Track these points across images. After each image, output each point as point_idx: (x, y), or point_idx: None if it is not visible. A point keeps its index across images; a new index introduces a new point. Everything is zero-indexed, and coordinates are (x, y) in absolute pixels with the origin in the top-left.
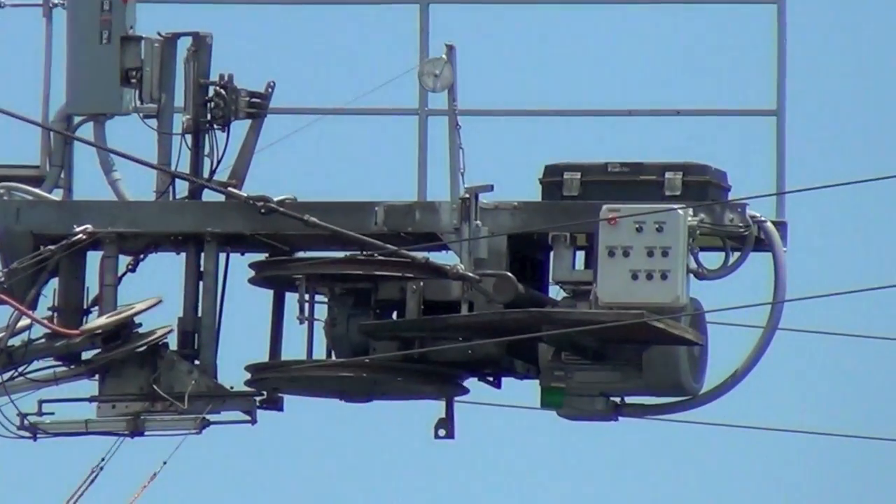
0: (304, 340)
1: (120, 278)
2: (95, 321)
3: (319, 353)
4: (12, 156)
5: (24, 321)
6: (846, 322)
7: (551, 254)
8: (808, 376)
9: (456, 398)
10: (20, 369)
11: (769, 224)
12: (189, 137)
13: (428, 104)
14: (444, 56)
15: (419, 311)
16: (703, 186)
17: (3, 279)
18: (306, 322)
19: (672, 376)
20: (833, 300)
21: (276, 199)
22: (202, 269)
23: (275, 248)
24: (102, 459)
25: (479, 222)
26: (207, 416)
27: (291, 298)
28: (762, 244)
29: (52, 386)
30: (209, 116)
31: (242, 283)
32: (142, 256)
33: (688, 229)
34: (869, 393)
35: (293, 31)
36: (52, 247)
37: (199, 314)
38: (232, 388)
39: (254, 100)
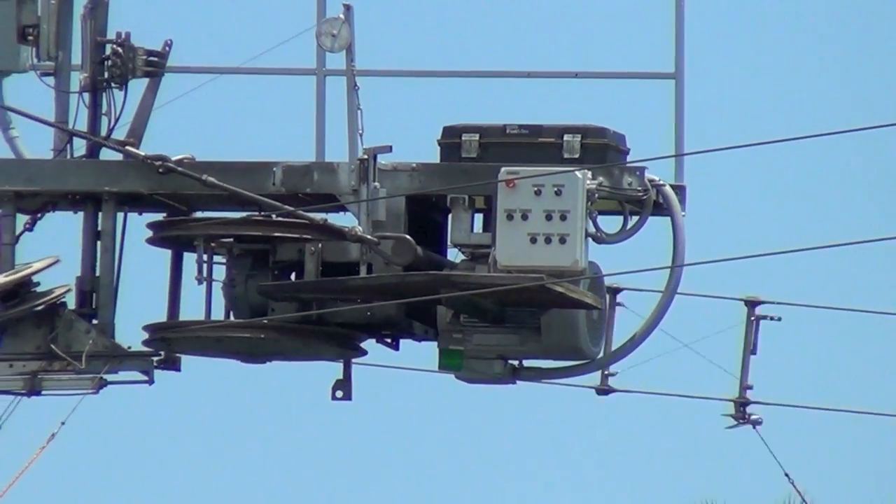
0: (203, 301)
1: (17, 237)
2: None
3: (218, 313)
4: None
5: None
6: (744, 286)
7: (450, 216)
8: (706, 341)
9: (354, 360)
10: None
11: (668, 188)
12: (87, 96)
13: (326, 64)
14: (341, 16)
15: (318, 272)
16: (601, 149)
17: None
18: (205, 282)
19: (570, 340)
20: (731, 264)
21: (173, 159)
22: (100, 228)
23: (173, 207)
24: None
25: (377, 184)
26: (105, 376)
27: (190, 258)
28: (661, 208)
29: None
30: (107, 75)
31: (140, 243)
32: (39, 215)
33: (586, 193)
34: (764, 357)
35: None
36: None
37: (97, 274)
38: (129, 347)
39: (151, 58)
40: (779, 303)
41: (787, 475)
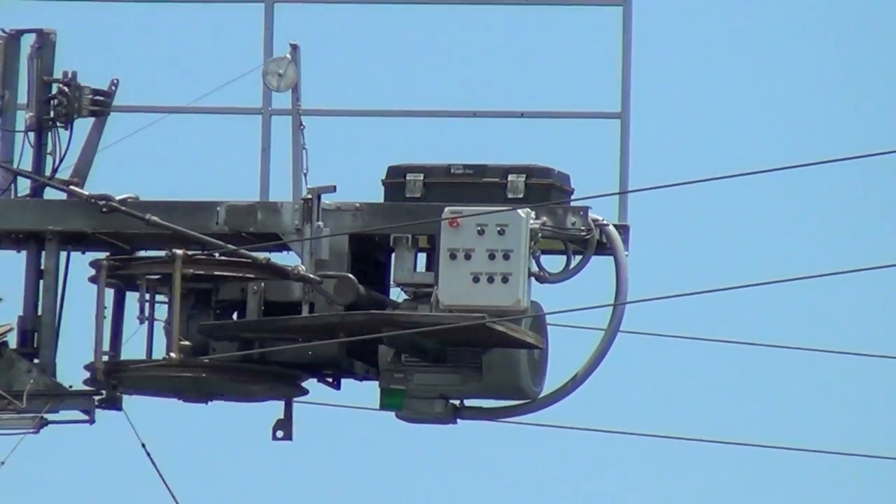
0: (145, 340)
1: None
2: None
3: (159, 352)
4: None
5: None
6: (687, 325)
7: (393, 255)
8: (649, 379)
9: (295, 399)
10: None
11: (611, 227)
12: (32, 135)
13: (272, 104)
14: (288, 55)
15: (259, 311)
16: (546, 189)
17: None
18: (146, 321)
19: (512, 379)
20: (674, 303)
21: (117, 198)
22: (43, 267)
23: (116, 246)
24: None
25: (321, 223)
26: (46, 416)
27: (132, 297)
28: (604, 247)
29: None
30: (52, 114)
31: (83, 282)
32: None
33: (530, 232)
34: (709, 395)
35: (137, 28)
36: None
37: (39, 313)
38: (71, 387)
39: (97, 97)
40: None
41: (143, 445)
